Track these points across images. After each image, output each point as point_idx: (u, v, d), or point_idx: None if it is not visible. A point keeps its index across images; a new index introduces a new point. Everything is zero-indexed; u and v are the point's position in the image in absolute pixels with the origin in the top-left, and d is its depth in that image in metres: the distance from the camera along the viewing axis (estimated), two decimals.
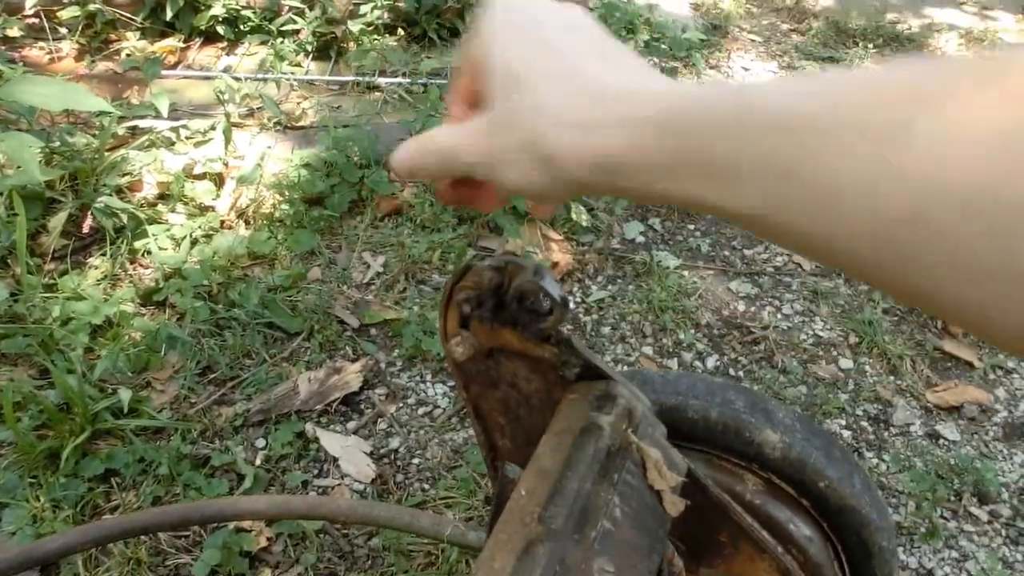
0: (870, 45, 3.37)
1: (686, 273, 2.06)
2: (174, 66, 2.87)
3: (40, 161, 2.04)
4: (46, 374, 1.65)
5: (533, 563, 0.67)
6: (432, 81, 2.73)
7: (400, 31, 3.05)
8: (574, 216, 2.05)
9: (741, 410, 0.93)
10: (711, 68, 3.03)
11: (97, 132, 2.25)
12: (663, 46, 2.82)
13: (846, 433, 1.68)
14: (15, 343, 1.70)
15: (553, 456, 0.80)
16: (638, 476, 0.81)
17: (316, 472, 1.53)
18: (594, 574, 0.70)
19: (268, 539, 1.38)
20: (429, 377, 1.75)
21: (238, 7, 2.96)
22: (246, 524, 1.39)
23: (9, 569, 1.14)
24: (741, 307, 1.98)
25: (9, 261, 1.93)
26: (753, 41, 3.35)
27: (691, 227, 2.22)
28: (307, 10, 2.93)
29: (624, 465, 0.80)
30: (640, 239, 2.16)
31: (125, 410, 1.57)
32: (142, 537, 1.37)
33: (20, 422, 1.51)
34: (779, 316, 1.97)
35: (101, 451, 1.51)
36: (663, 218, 2.24)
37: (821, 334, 1.93)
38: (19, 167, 1.86)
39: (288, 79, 2.73)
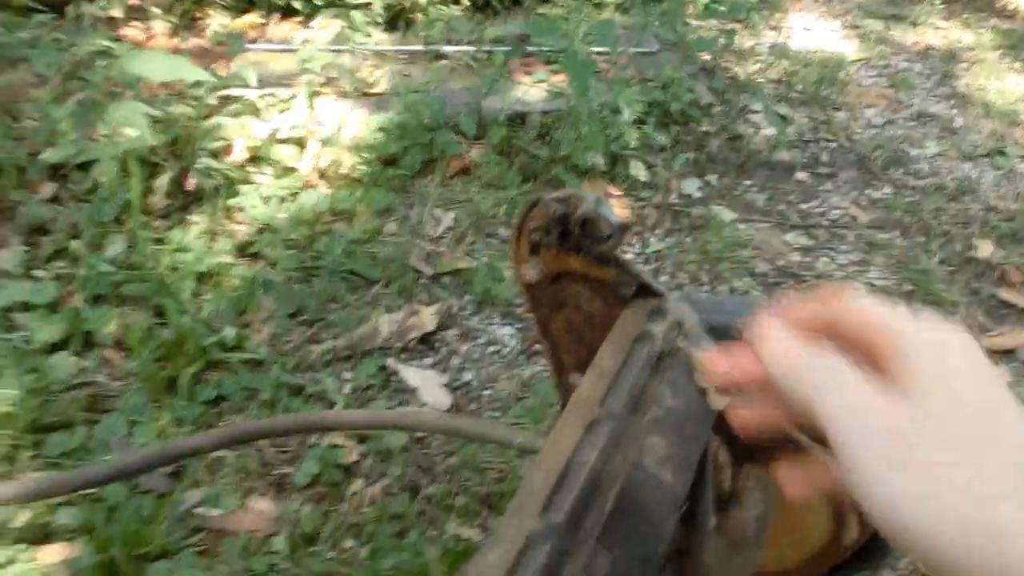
0: (936, 0, 3.36)
1: (742, 226, 2.16)
2: (255, 40, 3.06)
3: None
4: (161, 315, 1.86)
5: (595, 437, 0.82)
6: (495, 49, 2.85)
7: (465, 1, 3.18)
8: (632, 172, 2.17)
9: None
10: (771, 29, 3.08)
11: (193, 102, 2.45)
12: (721, 8, 2.88)
13: None
14: (134, 288, 1.92)
15: (612, 358, 0.94)
16: (685, 376, 0.94)
17: (398, 402, 1.70)
18: (644, 447, 0.84)
19: (359, 455, 1.56)
20: (498, 320, 1.91)
21: None
22: (339, 441, 1.57)
23: (149, 464, 1.34)
24: (796, 257, 2.07)
25: (121, 218, 2.14)
26: (815, 1, 3.38)
27: (747, 183, 2.32)
28: None
29: (672, 366, 0.94)
30: (697, 194, 2.26)
31: (230, 345, 1.77)
32: (251, 449, 1.56)
33: (143, 355, 1.72)
34: (833, 266, 2.06)
35: (212, 379, 1.71)
36: (720, 174, 2.33)
37: (876, 282, 2.01)
38: (132, 133, 2.07)
39: (361, 49, 2.90)
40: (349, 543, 1.42)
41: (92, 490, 1.46)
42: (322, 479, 1.52)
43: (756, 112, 2.53)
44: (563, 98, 2.44)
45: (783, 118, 2.51)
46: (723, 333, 1.09)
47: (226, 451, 1.58)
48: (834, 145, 2.46)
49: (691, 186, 2.27)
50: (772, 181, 2.32)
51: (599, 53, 2.76)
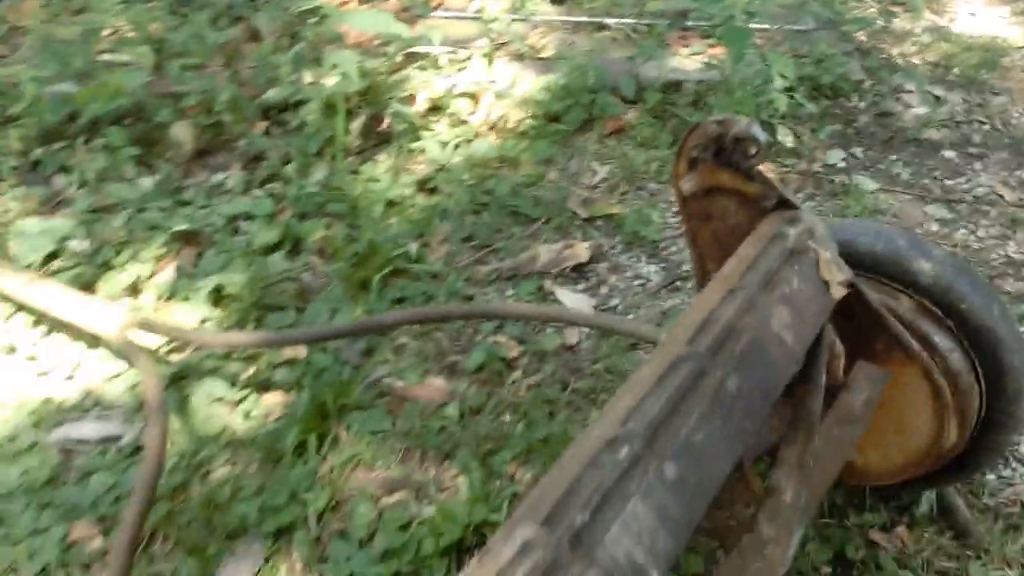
0: None
1: (883, 195, 2.28)
2: (435, 8, 3.39)
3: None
4: (355, 230, 2.19)
5: (733, 300, 1.05)
6: (655, 22, 3.05)
7: None
8: (780, 138, 2.34)
9: (902, 247, 1.23)
10: (933, 13, 3.13)
11: (384, 58, 2.80)
12: None
13: None
14: (334, 207, 2.27)
15: (751, 248, 1.16)
16: (812, 269, 1.15)
17: None
18: (772, 314, 1.05)
19: (519, 352, 1.84)
20: (644, 258, 2.13)
21: None
22: (502, 340, 1.86)
23: (355, 331, 1.67)
24: (934, 227, 2.18)
25: (323, 151, 2.51)
26: None
27: (893, 157, 2.43)
28: None
29: (802, 261, 1.14)
30: (841, 164, 2.40)
31: (412, 258, 2.09)
32: (429, 340, 1.87)
33: (342, 258, 2.07)
34: (972, 238, 2.15)
35: (397, 284, 2.04)
36: (865, 148, 2.46)
37: (1014, 256, 2.09)
38: (334, 80, 2.43)
39: (531, 19, 3.17)
40: (507, 417, 1.70)
41: (309, 344, 1.81)
42: (487, 368, 1.81)
43: (909, 92, 2.62)
44: (717, 70, 2.62)
45: (936, 98, 2.59)
46: (850, 247, 1.28)
47: (408, 338, 1.89)
48: (987, 127, 2.52)
49: (835, 156, 2.41)
50: (918, 157, 2.41)
51: (757, 29, 2.91)
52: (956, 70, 2.73)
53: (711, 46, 2.84)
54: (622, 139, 2.56)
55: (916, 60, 2.79)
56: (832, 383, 1.24)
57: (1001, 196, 2.25)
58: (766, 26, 2.88)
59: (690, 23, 3.04)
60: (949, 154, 2.41)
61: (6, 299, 2.03)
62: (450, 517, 1.48)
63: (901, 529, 1.42)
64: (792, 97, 2.38)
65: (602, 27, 3.14)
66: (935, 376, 1.19)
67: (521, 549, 0.78)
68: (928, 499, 1.44)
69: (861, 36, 2.81)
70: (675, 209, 2.26)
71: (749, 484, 1.02)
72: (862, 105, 2.54)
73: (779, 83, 2.27)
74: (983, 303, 1.19)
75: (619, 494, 0.84)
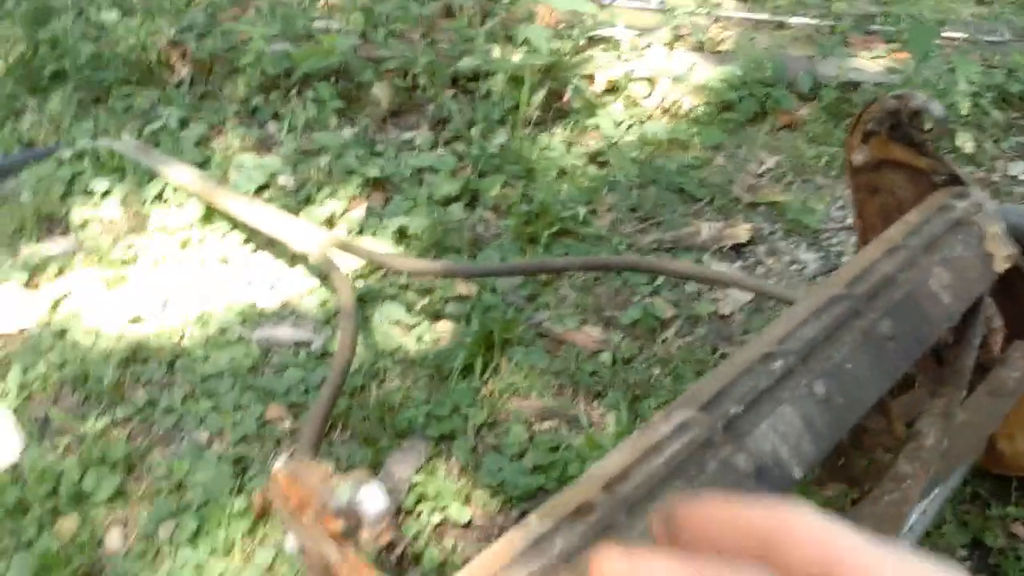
0: None
1: None
2: None
3: None
4: (528, 190, 2.37)
5: (893, 257, 1.13)
6: (838, 23, 3.06)
7: None
8: (959, 143, 2.33)
9: None
10: None
11: (568, 40, 2.97)
12: None
13: None
14: (510, 168, 2.47)
15: (917, 215, 1.23)
16: (976, 240, 1.21)
17: (709, 289, 2.07)
18: (932, 273, 1.13)
19: (673, 314, 1.96)
20: (804, 246, 2.19)
21: None
22: (658, 301, 1.98)
23: (528, 270, 1.85)
24: None
25: (504, 119, 2.71)
26: None
27: None
28: None
29: (967, 231, 1.21)
30: (1022, 177, 2.36)
31: (580, 220, 2.24)
32: (589, 294, 2.02)
33: (516, 213, 2.25)
34: None
35: (564, 242, 2.20)
36: None
37: None
38: (525, 50, 2.62)
39: (713, 14, 3.25)
40: (656, 370, 1.83)
41: (485, 278, 2.00)
42: (641, 324, 1.94)
43: None
44: (899, 74, 2.62)
45: None
46: (1017, 232, 1.32)
47: (569, 290, 2.05)
48: None
49: (1017, 168, 2.36)
50: None
51: (946, 38, 2.88)
52: None
53: (894, 51, 2.83)
54: (794, 133, 2.61)
55: None
56: (988, 358, 1.29)
57: None
58: (957, 35, 2.84)
59: (875, 27, 3.03)
60: None
61: (225, 216, 2.35)
62: (596, 445, 1.63)
63: None
64: (976, 103, 2.36)
65: (784, 25, 3.19)
66: None
67: (679, 427, 0.92)
68: None
69: None
70: (841, 203, 2.31)
71: (893, 429, 1.10)
72: None
73: (963, 87, 2.26)
74: None
75: (771, 398, 0.96)
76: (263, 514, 0.89)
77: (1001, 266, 1.19)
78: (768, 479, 0.92)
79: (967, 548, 1.43)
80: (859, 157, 1.37)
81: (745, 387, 0.96)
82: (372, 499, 0.79)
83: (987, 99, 2.39)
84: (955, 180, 1.27)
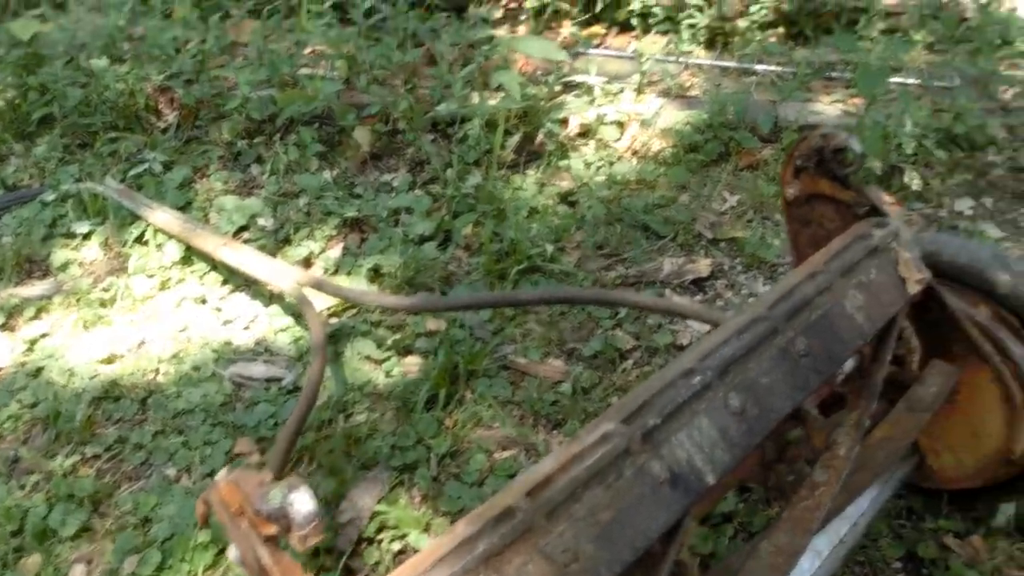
0: None
1: (1007, 244, 2.32)
2: (597, 46, 3.67)
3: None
4: (500, 228, 2.46)
5: (814, 281, 1.21)
6: (800, 70, 3.18)
7: (780, 29, 3.55)
8: (907, 180, 2.42)
9: (983, 258, 1.34)
10: None
11: (544, 85, 3.09)
12: None
13: None
14: (483, 207, 2.55)
15: (839, 243, 1.31)
16: (892, 266, 1.29)
17: (668, 321, 2.14)
18: (847, 296, 1.20)
19: (633, 345, 2.02)
20: (761, 279, 2.27)
21: (651, 3, 3.68)
22: (619, 333, 2.05)
23: (496, 303, 1.92)
24: None
25: (480, 161, 2.81)
26: None
27: (1023, 209, 2.45)
28: (706, 7, 3.56)
29: (884, 258, 1.28)
30: (968, 212, 2.45)
31: (548, 257, 2.32)
32: (553, 328, 2.09)
33: (488, 250, 2.33)
34: None
35: (532, 278, 2.27)
36: (996, 199, 2.49)
37: None
38: (502, 95, 2.72)
39: (684, 62, 3.38)
40: (614, 399, 1.89)
41: (454, 312, 2.07)
42: (602, 355, 2.01)
43: None
44: (855, 116, 2.73)
45: None
46: (936, 256, 1.39)
47: (535, 324, 2.12)
48: None
49: (963, 204, 2.46)
50: None
51: (900, 83, 3.00)
52: None
53: (853, 96, 2.95)
54: (755, 172, 2.71)
55: None
56: (907, 375, 1.36)
57: None
58: (910, 80, 2.96)
59: (835, 73, 3.16)
60: None
61: (204, 257, 2.42)
62: None
63: (975, 538, 1.49)
64: (921, 144, 2.46)
65: (749, 72, 3.31)
66: (1006, 381, 1.29)
67: (602, 437, 0.99)
68: (1005, 512, 1.50)
69: (1007, 96, 2.83)
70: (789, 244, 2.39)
71: (812, 440, 1.17)
72: (999, 160, 2.57)
73: (909, 125, 2.37)
74: None
75: (688, 410, 1.03)
76: (205, 522, 0.94)
77: (913, 289, 1.27)
78: (682, 484, 0.98)
79: (901, 560, 1.48)
80: (791, 191, 1.45)
81: (665, 400, 1.03)
82: (302, 503, 0.85)
83: (932, 140, 2.49)
84: (875, 211, 1.36)
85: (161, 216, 2.48)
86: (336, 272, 2.42)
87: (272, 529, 0.85)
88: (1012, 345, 1.32)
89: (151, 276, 2.43)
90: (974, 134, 2.55)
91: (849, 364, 1.33)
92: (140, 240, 2.55)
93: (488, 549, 0.88)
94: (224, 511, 0.89)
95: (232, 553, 0.93)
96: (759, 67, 3.30)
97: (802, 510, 1.08)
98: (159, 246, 2.51)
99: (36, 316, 2.31)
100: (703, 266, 2.29)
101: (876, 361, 1.24)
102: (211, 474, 1.82)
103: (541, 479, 0.95)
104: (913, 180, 2.37)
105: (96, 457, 1.86)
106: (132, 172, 2.88)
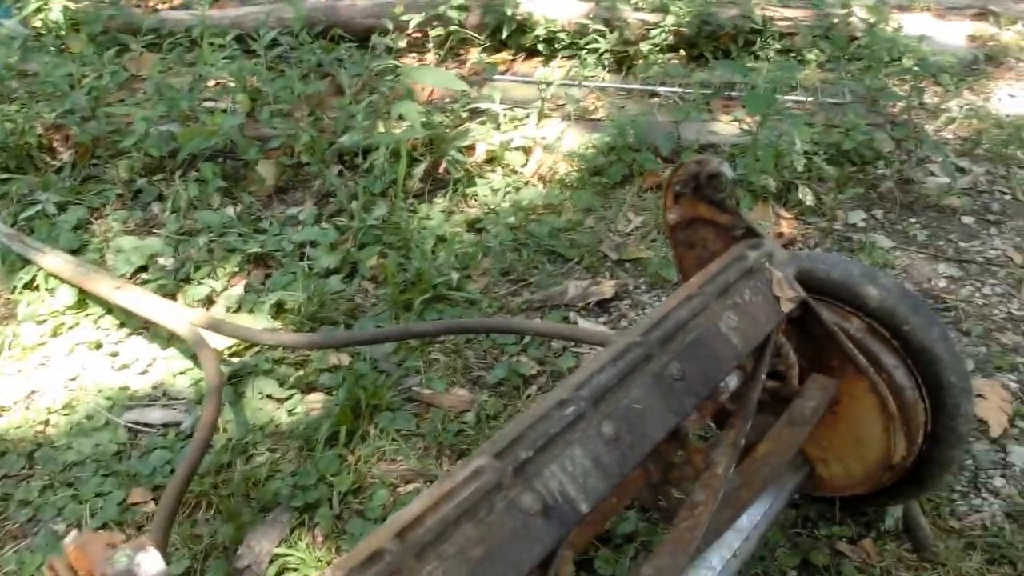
0: None
1: (898, 253, 2.41)
2: (503, 73, 3.70)
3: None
4: (406, 259, 2.44)
5: (690, 304, 1.23)
6: (702, 91, 3.26)
7: (681, 51, 3.64)
8: (800, 196, 2.50)
9: (854, 274, 1.38)
10: (972, 94, 3.26)
11: (449, 113, 3.09)
12: (915, 67, 3.12)
13: (1013, 383, 1.96)
14: (389, 238, 2.53)
15: (715, 266, 1.34)
16: (766, 286, 1.32)
17: (573, 345, 2.15)
18: (722, 317, 1.22)
19: (537, 371, 2.03)
20: (664, 298, 2.30)
21: (555, 30, 3.74)
22: (524, 359, 2.05)
23: (390, 337, 1.89)
24: (942, 283, 2.29)
25: (386, 192, 2.79)
26: None
27: (912, 220, 2.55)
28: (608, 32, 3.63)
29: (758, 279, 1.31)
30: (860, 224, 2.53)
31: (453, 286, 2.31)
32: (457, 357, 2.08)
33: (393, 282, 2.31)
34: (978, 295, 2.25)
35: (438, 307, 2.26)
36: (886, 211, 2.59)
37: (1016, 312, 2.18)
38: (406, 125, 2.72)
39: (588, 85, 3.44)
40: None
41: (355, 347, 2.04)
42: (507, 382, 2.00)
43: (934, 162, 2.74)
44: (752, 135, 2.81)
45: (961, 169, 2.71)
46: (810, 273, 1.43)
47: (440, 354, 2.10)
48: (1008, 197, 2.62)
49: (856, 216, 2.54)
50: (936, 221, 2.53)
51: (795, 101, 3.11)
52: (985, 145, 2.84)
53: (750, 115, 3.03)
54: (659, 193, 2.75)
55: (947, 134, 2.92)
56: (787, 390, 1.39)
57: (1011, 258, 2.34)
58: (803, 98, 3.06)
59: (735, 93, 3.25)
60: (967, 219, 2.52)
61: (99, 301, 2.34)
62: None
63: (867, 541, 1.53)
64: (811, 160, 2.55)
65: (653, 94, 3.38)
66: (881, 390, 1.33)
67: (473, 473, 0.98)
68: (893, 515, 1.54)
69: (895, 110, 2.96)
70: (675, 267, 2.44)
71: (692, 460, 1.18)
72: (887, 172, 2.68)
73: (799, 144, 2.45)
74: (924, 325, 1.32)
75: (562, 441, 1.03)
76: None
77: (786, 307, 1.30)
78: (555, 515, 0.98)
79: (797, 569, 1.50)
80: (672, 216, 1.48)
81: (538, 433, 1.03)
82: (149, 564, 0.81)
83: (823, 156, 2.58)
84: (751, 233, 1.39)
85: (52, 260, 2.39)
86: (239, 309, 2.36)
87: None
88: (884, 356, 1.36)
89: (42, 322, 2.34)
90: (863, 149, 2.65)
91: (734, 381, 1.35)
92: (30, 286, 2.45)
93: None
94: None
95: None
96: (661, 89, 3.37)
97: (682, 531, 1.09)
98: (50, 291, 2.41)
99: None
100: (607, 288, 2.32)
101: (751, 380, 1.26)
102: (104, 526, 1.75)
103: (411, 519, 0.93)
104: (807, 196, 2.45)
105: None
106: (23, 215, 2.77)
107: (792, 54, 3.56)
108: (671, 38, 3.63)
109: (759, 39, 3.60)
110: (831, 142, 2.66)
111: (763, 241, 1.37)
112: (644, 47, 3.61)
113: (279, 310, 2.32)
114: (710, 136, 2.91)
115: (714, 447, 1.18)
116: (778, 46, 3.59)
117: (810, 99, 3.07)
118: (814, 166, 2.54)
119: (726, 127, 2.99)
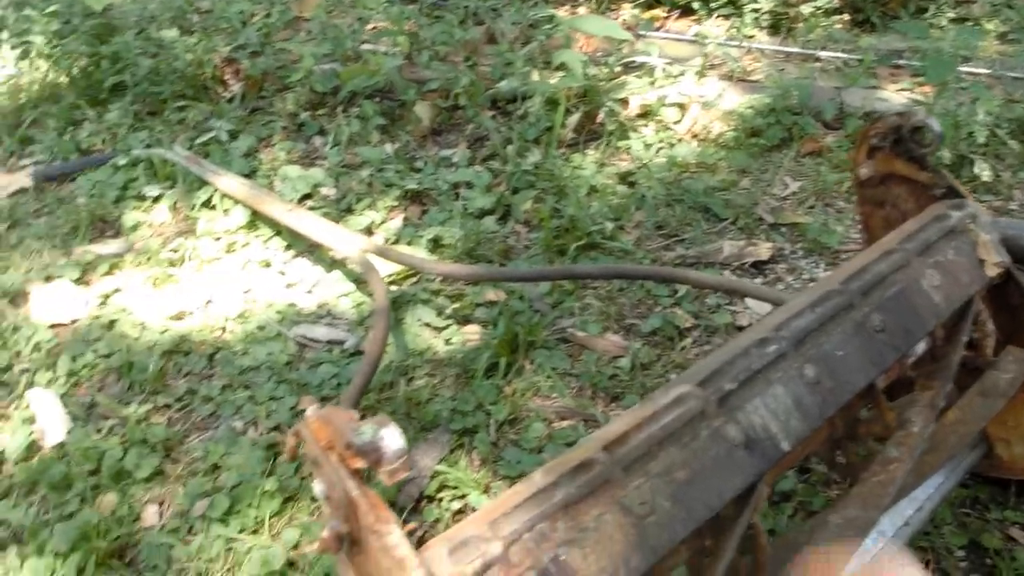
0: None
1: None
2: (657, 30, 3.66)
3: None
4: (559, 205, 2.47)
5: (889, 259, 1.21)
6: (866, 57, 3.13)
7: (845, 15, 3.50)
8: (977, 171, 2.38)
9: None
10: None
11: (604, 66, 3.09)
12: None
13: None
14: (543, 185, 2.57)
15: (914, 223, 1.31)
16: (970, 247, 1.28)
17: (728, 302, 2.14)
18: (924, 274, 1.20)
19: (692, 324, 2.03)
20: (823, 265, 2.26)
21: None
22: (679, 311, 2.06)
23: (557, 276, 1.94)
24: None
25: (540, 139, 2.82)
26: None
27: None
28: None
29: (961, 239, 1.28)
30: None
31: (607, 235, 2.33)
32: (612, 303, 2.11)
33: (547, 227, 2.35)
34: None
35: (591, 255, 2.29)
36: None
37: None
38: (561, 75, 2.73)
39: (747, 46, 3.35)
40: (673, 376, 1.90)
41: (516, 283, 2.10)
42: (660, 332, 2.02)
43: None
44: (923, 105, 2.69)
45: None
46: (1017, 240, 1.38)
47: (593, 299, 2.14)
48: None
49: None
50: None
51: (971, 73, 2.94)
52: None
53: (920, 84, 2.90)
54: (818, 159, 2.68)
55: None
56: (982, 360, 1.35)
57: None
58: (981, 70, 2.90)
59: (902, 61, 3.10)
60: None
61: (269, 222, 2.48)
62: None
63: None
64: (994, 134, 2.42)
65: (813, 58, 3.27)
66: None
67: (676, 399, 1.00)
68: None
69: None
70: (860, 226, 2.37)
71: (884, 418, 1.17)
72: None
73: (982, 118, 2.33)
74: None
75: (763, 378, 1.04)
76: (294, 456, 0.98)
77: (991, 271, 1.26)
78: (758, 449, 1.00)
79: (964, 549, 1.47)
80: (864, 171, 1.45)
81: (740, 367, 1.04)
82: (392, 438, 0.88)
83: (1005, 130, 2.45)
84: (953, 192, 1.35)
85: (228, 182, 2.54)
86: (397, 242, 2.46)
87: (361, 463, 0.89)
88: None
89: (217, 239, 2.50)
90: None
91: (921, 347, 1.32)
92: (207, 204, 2.62)
93: (566, 498, 0.90)
94: (314, 445, 0.93)
95: (317, 488, 0.96)
96: (823, 53, 3.26)
97: (874, 485, 1.09)
98: (225, 211, 2.58)
99: (109, 272, 2.39)
100: (763, 250, 2.29)
101: (951, 342, 1.24)
102: (277, 428, 1.87)
103: (617, 435, 0.97)
104: (983, 171, 2.33)
105: (167, 407, 1.93)
106: (199, 140, 2.95)
107: (968, 23, 3.36)
108: (836, 1, 3.49)
109: (932, 5, 3.41)
110: (1013, 116, 2.51)
111: (966, 202, 1.33)
112: (806, 9, 3.48)
113: (436, 245, 2.40)
114: (876, 103, 2.80)
115: (909, 406, 1.16)
116: (952, 14, 3.39)
117: (987, 71, 2.90)
118: (995, 140, 2.41)
119: (893, 95, 2.87)
